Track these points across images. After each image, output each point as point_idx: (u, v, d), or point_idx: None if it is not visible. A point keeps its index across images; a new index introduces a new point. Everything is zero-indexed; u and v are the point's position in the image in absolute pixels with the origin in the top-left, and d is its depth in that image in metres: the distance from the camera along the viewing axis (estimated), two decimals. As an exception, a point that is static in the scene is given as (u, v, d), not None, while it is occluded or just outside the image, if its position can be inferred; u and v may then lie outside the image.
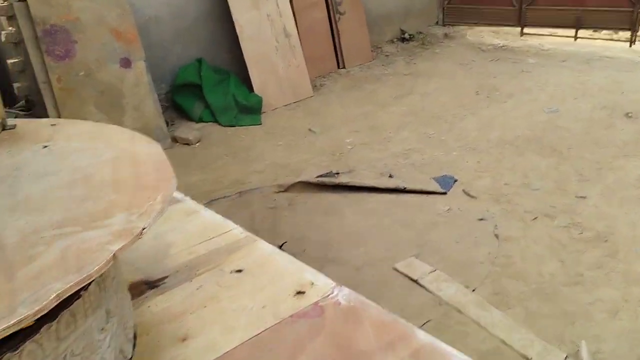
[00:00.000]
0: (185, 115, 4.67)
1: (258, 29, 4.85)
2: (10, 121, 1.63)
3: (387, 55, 6.06)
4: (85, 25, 3.94)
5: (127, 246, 1.06)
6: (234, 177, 3.53)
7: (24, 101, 4.25)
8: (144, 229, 1.10)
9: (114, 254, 1.02)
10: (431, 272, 2.36)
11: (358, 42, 5.78)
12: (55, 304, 0.92)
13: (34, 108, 4.13)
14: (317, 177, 3.34)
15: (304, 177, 3.33)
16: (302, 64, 5.08)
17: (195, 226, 1.89)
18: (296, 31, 5.08)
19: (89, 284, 1.10)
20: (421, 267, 2.39)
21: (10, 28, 3.89)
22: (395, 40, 6.42)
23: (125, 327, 1.29)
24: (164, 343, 1.36)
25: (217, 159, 3.87)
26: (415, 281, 2.31)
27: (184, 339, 1.37)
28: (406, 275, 2.35)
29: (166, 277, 1.63)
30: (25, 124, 1.66)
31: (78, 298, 1.08)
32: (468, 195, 3.03)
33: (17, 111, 4.13)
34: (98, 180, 1.28)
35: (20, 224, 1.10)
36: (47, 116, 3.85)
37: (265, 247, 1.74)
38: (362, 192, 3.13)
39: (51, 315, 1.02)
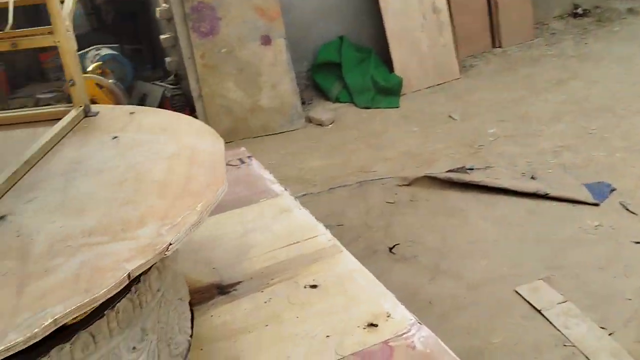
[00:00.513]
0: (323, 94, 4.58)
1: (404, 4, 4.54)
2: (95, 108, 1.62)
3: (552, 33, 5.35)
4: (230, 2, 3.99)
5: (145, 265, 0.94)
6: (359, 164, 3.36)
7: (173, 75, 4.49)
8: (170, 244, 0.98)
9: (128, 274, 0.91)
10: (561, 302, 1.97)
11: (519, 18, 5.18)
12: (52, 330, 0.83)
13: (182, 82, 4.32)
14: (447, 171, 3.03)
15: (431, 172, 3.04)
16: (449, 42, 4.68)
17: (283, 227, 1.76)
18: (447, 6, 4.67)
19: (117, 301, 1.02)
20: (549, 295, 2.02)
21: (164, 5, 4.08)
22: (565, 15, 5.65)
23: (170, 342, 1.19)
24: (211, 364, 1.25)
25: (346, 142, 3.73)
26: (539, 311, 1.95)
27: (232, 364, 1.25)
28: (529, 302, 2.00)
29: (239, 282, 1.52)
30: (107, 111, 1.65)
31: (101, 317, 0.99)
32: (626, 209, 2.51)
33: (167, 85, 4.36)
34: (148, 180, 1.20)
35: (54, 228, 1.04)
36: (190, 90, 4.01)
37: (348, 261, 1.55)
38: (495, 193, 2.77)
39: (66, 335, 0.95)
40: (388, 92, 4.39)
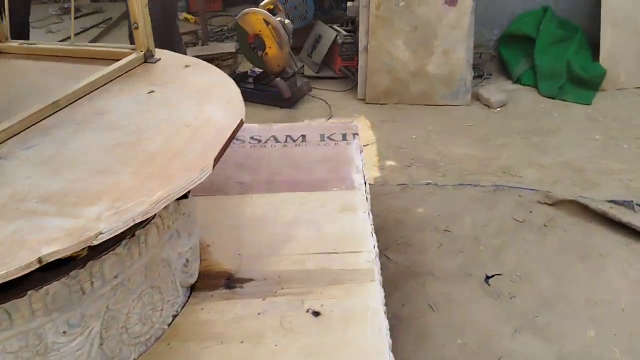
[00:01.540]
0: (504, 71, 4.03)
1: (637, -19, 3.68)
2: (160, 54, 1.56)
3: None
4: (422, -50, 3.62)
5: (60, 253, 0.87)
6: (506, 163, 2.90)
7: (350, 22, 4.32)
8: (100, 234, 0.89)
9: (39, 259, 0.84)
10: None
11: None
12: None
13: (357, 31, 4.14)
14: (608, 201, 2.45)
15: (586, 197, 2.48)
16: (687, 37, 3.71)
17: (333, 229, 1.57)
18: (698, -9, 3.68)
19: (47, 283, 0.95)
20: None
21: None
22: None
23: (123, 332, 1.12)
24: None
25: (505, 134, 3.24)
26: None
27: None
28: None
29: (250, 280, 1.39)
30: (167, 59, 1.58)
31: (21, 296, 0.94)
32: None
33: (342, 30, 4.21)
34: (140, 149, 1.16)
35: (23, 185, 1.02)
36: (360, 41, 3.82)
37: (372, 296, 1.32)
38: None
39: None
40: (583, 83, 3.69)
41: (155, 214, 1.14)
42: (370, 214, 1.64)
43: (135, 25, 1.51)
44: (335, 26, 4.38)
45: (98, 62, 1.55)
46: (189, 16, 5.67)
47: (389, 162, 2.96)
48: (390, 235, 2.33)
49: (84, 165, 1.09)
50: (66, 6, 6.79)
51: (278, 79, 3.70)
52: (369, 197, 1.75)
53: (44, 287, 0.95)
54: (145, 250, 1.13)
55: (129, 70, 1.51)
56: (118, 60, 1.51)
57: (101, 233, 0.91)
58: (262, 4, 3.64)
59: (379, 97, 3.78)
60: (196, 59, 1.65)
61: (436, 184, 2.72)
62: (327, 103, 3.76)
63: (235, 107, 1.35)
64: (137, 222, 0.95)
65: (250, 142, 2.09)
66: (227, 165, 1.92)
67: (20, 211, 0.95)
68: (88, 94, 1.37)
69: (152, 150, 1.15)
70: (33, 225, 0.91)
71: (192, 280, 1.36)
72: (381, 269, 2.03)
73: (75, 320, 1.02)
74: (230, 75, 3.99)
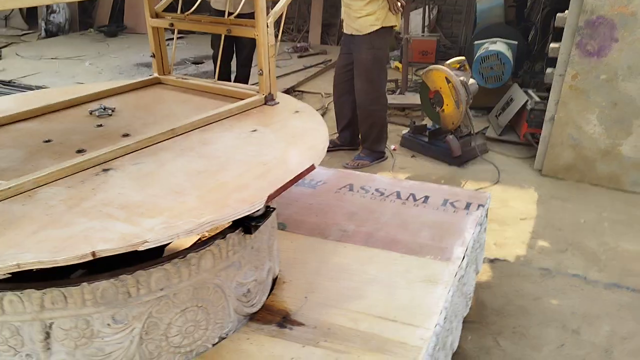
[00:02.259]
0: None
1: None
2: (281, 98, 1.70)
3: None
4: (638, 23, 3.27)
5: (111, 251, 1.04)
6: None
7: (546, 89, 4.06)
8: (146, 242, 1.05)
9: (92, 252, 1.02)
10: None
11: None
12: (13, 271, 1.02)
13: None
14: None
15: None
16: None
17: (404, 296, 1.53)
18: None
19: (96, 280, 1.14)
20: None
21: (566, 11, 3.66)
22: None
23: (163, 339, 1.26)
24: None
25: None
26: None
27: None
28: None
29: (302, 325, 1.43)
30: (285, 103, 1.72)
31: (75, 285, 1.13)
32: None
33: (535, 95, 4.00)
34: (218, 177, 1.32)
35: (115, 194, 1.23)
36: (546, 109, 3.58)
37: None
38: None
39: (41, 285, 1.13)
40: None
41: (213, 242, 1.27)
42: (452, 289, 1.55)
43: (261, 71, 1.69)
44: (530, 91, 4.18)
45: (228, 99, 1.76)
46: (399, 65, 5.94)
47: (542, 243, 2.71)
48: (508, 321, 2.13)
49: (166, 184, 1.27)
50: (299, 45, 7.63)
51: (451, 136, 3.66)
52: (464, 272, 1.65)
53: (95, 283, 1.14)
54: (196, 273, 1.25)
55: (248, 110, 1.69)
56: (243, 99, 1.70)
57: (147, 242, 1.06)
58: (449, 62, 3.66)
59: (557, 171, 3.48)
60: (308, 106, 1.77)
61: (585, 278, 2.40)
62: (497, 168, 3.58)
63: (314, 153, 1.44)
64: (183, 237, 1.08)
65: (373, 194, 2.13)
66: (340, 211, 1.99)
67: (101, 213, 1.15)
68: (205, 125, 1.58)
69: (224, 180, 1.29)
70: (103, 225, 1.10)
71: (253, 310, 1.46)
72: (486, 353, 1.89)
73: (120, 317, 1.19)
74: (409, 126, 4.08)
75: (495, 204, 2.95)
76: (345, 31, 3.59)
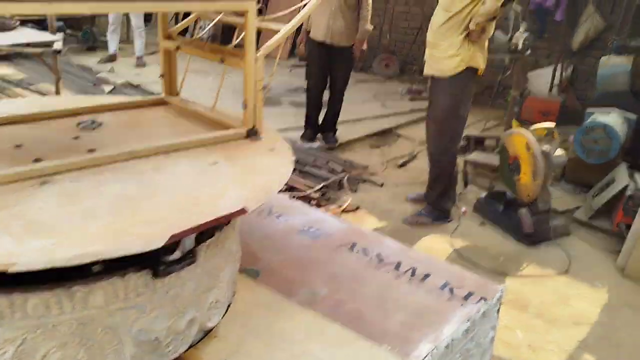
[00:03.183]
0: None
1: None
2: (267, 134, 1.62)
3: None
4: None
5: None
6: None
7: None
8: (14, 264, 1.01)
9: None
10: None
11: None
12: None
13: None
14: None
15: None
16: None
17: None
18: None
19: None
20: None
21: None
22: None
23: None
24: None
25: None
26: None
27: None
28: None
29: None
30: (267, 140, 1.63)
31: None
32: None
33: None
34: (141, 204, 1.26)
35: (33, 207, 1.20)
36: None
37: None
38: None
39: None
40: None
41: (107, 278, 1.19)
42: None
43: (244, 104, 1.61)
44: (638, 175, 3.64)
45: (217, 128, 1.70)
46: (517, 123, 5.53)
47: (588, 357, 2.28)
48: None
49: (88, 205, 1.22)
50: (413, 88, 7.49)
51: (525, 209, 3.28)
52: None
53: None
54: (82, 308, 1.17)
55: (226, 141, 1.61)
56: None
57: (15, 265, 1.00)
58: (534, 127, 3.31)
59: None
60: (286, 145, 1.65)
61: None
62: (569, 256, 3.13)
63: (256, 196, 1.33)
64: (55, 264, 1.01)
65: (371, 259, 1.92)
66: (325, 270, 1.82)
67: (1, 225, 1.11)
68: (171, 151, 1.51)
69: (144, 210, 1.22)
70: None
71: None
72: None
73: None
74: (487, 189, 3.75)
75: (551, 298, 2.57)
76: (425, 72, 3.39)
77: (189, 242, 1.31)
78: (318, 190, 3.84)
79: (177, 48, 1.80)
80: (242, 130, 1.67)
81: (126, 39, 9.46)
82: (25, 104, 2.05)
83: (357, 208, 3.66)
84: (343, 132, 5.15)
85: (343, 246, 1.99)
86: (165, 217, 1.21)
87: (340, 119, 5.20)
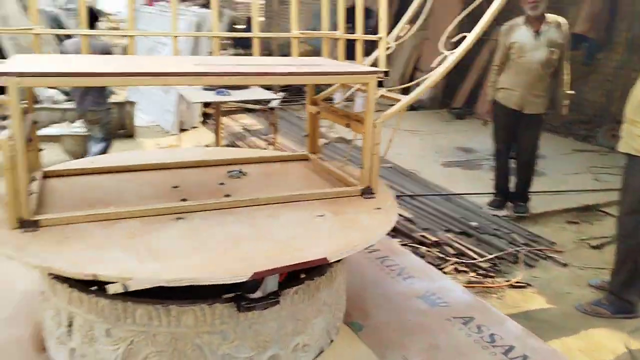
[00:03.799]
0: None
1: None
2: (380, 195, 1.75)
3: None
4: None
5: (102, 277, 1.35)
6: None
7: None
8: (128, 280, 1.32)
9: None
10: None
11: None
12: None
13: None
14: None
15: None
16: None
17: None
18: None
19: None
20: None
21: None
22: None
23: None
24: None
25: None
26: None
27: None
28: None
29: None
30: (379, 199, 1.79)
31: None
32: None
33: None
34: (242, 247, 1.48)
35: (163, 237, 1.51)
36: None
37: None
38: None
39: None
40: None
41: (198, 303, 1.42)
42: None
43: (361, 165, 1.75)
44: None
45: (340, 184, 1.89)
46: None
47: None
48: None
49: (203, 241, 1.49)
50: None
51: None
52: None
53: (100, 298, 1.43)
54: (176, 325, 1.42)
55: (342, 197, 1.78)
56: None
57: (129, 281, 1.28)
58: None
59: None
60: (394, 206, 1.73)
61: None
62: None
63: (343, 249, 1.48)
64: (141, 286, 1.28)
65: (482, 337, 1.84)
66: (425, 340, 1.81)
67: (134, 248, 1.42)
68: (289, 202, 1.73)
69: (243, 250, 1.45)
70: (123, 257, 1.38)
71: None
72: None
73: (113, 333, 1.45)
74: None
75: None
76: (621, 149, 3.05)
77: (271, 285, 1.47)
78: (488, 260, 3.67)
79: (318, 112, 2.03)
80: (357, 188, 1.80)
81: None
82: (194, 152, 2.48)
83: (527, 285, 3.40)
84: (538, 203, 4.82)
85: (458, 319, 1.95)
86: (254, 257, 1.40)
87: (539, 188, 4.86)
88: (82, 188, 1.84)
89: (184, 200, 1.73)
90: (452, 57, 1.82)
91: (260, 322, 1.49)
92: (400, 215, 4.49)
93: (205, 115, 7.91)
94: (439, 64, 1.85)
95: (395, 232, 4.14)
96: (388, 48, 1.92)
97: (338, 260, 1.63)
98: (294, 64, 1.84)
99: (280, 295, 1.49)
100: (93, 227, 1.52)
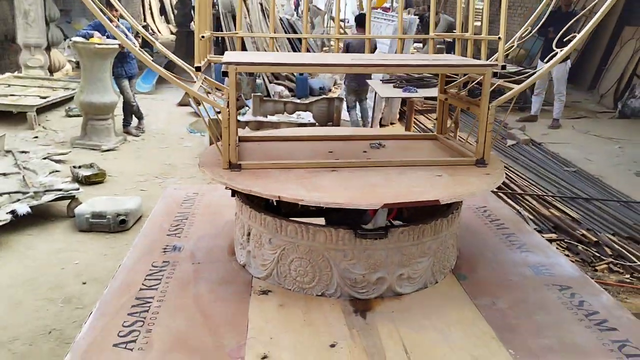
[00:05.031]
0: None
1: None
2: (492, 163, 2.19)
3: None
4: None
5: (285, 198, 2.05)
6: None
7: None
8: (302, 200, 2.01)
9: None
10: None
11: None
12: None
13: None
14: None
15: None
16: None
17: None
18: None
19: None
20: None
21: None
22: None
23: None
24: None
25: None
26: None
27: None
28: None
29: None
30: (492, 167, 2.15)
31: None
32: None
33: None
34: (377, 189, 2.02)
35: (329, 179, 2.16)
36: None
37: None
38: None
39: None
40: None
41: (326, 226, 2.00)
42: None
43: (477, 140, 2.16)
44: None
45: (459, 156, 2.32)
46: None
47: None
48: None
49: (354, 182, 2.06)
50: None
51: None
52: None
53: (264, 215, 2.11)
54: (311, 240, 2.02)
55: (460, 165, 2.22)
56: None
57: (303, 200, 1.96)
58: None
59: None
60: (502, 173, 2.14)
61: None
62: None
63: (452, 195, 1.96)
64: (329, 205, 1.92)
65: (573, 302, 2.09)
66: (512, 292, 2.13)
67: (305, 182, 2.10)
68: (414, 165, 2.22)
69: (379, 191, 1.98)
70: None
71: (359, 294, 2.06)
72: None
73: (274, 241, 2.11)
74: None
75: None
76: None
77: (380, 220, 1.99)
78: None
79: (446, 99, 2.46)
80: (472, 159, 2.21)
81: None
82: (346, 130, 3.04)
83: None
84: None
85: (556, 286, 2.21)
86: (384, 195, 1.92)
87: None
88: (266, 148, 2.56)
89: (336, 159, 2.33)
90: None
91: (371, 249, 2.01)
92: (565, 214, 4.53)
93: (402, 113, 8.54)
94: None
95: (556, 229, 4.22)
96: (511, 47, 2.26)
97: (444, 217, 2.08)
98: (427, 59, 2.31)
99: (388, 232, 1.99)
100: (275, 171, 2.16)
